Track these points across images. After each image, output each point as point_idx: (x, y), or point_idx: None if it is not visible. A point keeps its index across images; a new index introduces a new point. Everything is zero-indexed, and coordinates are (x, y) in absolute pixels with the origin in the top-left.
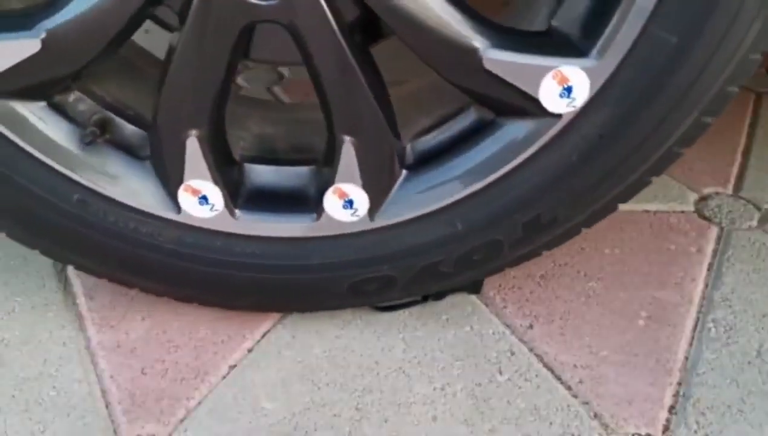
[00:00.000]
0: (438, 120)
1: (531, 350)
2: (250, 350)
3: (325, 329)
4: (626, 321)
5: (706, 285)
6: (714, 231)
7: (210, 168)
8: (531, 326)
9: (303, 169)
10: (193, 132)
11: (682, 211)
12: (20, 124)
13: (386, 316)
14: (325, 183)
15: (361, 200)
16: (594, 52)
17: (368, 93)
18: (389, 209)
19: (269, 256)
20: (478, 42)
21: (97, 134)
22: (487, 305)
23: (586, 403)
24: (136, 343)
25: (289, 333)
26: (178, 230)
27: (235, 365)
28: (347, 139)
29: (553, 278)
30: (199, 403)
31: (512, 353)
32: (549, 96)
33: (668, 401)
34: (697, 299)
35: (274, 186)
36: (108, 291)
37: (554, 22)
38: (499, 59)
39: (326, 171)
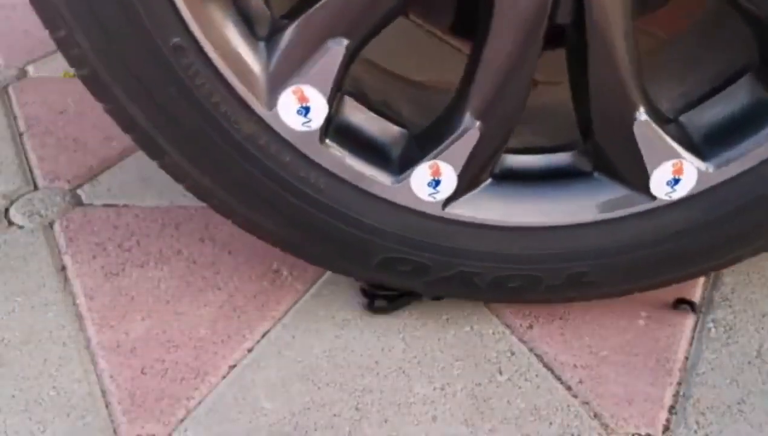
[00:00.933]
0: (537, 145)
1: (531, 350)
2: (250, 350)
3: (325, 329)
4: (626, 321)
5: (706, 285)
6: None
7: (334, 83)
8: (531, 326)
9: (393, 128)
10: (343, 42)
11: None
12: None
13: (386, 315)
14: (414, 154)
15: (449, 185)
16: (712, 161)
17: (524, 91)
18: (461, 206)
19: (328, 195)
20: (641, 102)
21: None
22: (487, 305)
23: (586, 403)
24: (136, 343)
25: (289, 333)
26: (257, 127)
27: (235, 365)
28: (476, 124)
29: None
30: (199, 403)
31: (512, 353)
32: (659, 179)
33: (668, 401)
34: (697, 299)
35: (364, 129)
36: (108, 291)
37: (681, 118)
38: (647, 127)
39: (421, 143)
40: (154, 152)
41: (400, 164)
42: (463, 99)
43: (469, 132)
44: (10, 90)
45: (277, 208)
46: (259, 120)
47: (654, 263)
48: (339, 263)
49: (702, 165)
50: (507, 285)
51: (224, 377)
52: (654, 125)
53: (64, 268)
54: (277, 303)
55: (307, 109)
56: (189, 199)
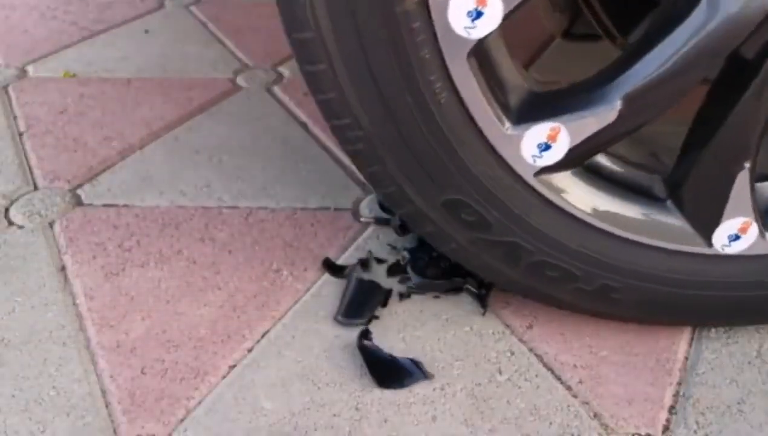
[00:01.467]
0: None
1: (531, 350)
2: (250, 350)
3: (325, 329)
4: (626, 321)
5: None
6: None
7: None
8: (531, 326)
9: None
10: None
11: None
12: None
13: (386, 316)
14: None
15: None
16: None
17: None
18: None
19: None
20: None
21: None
22: (487, 305)
23: (586, 403)
24: (136, 343)
25: (289, 333)
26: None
27: (235, 365)
28: None
29: None
30: (199, 403)
31: (512, 353)
32: (724, 231)
33: (668, 401)
34: None
35: None
36: (108, 291)
37: (757, 185)
38: (745, 177)
39: None
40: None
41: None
42: (611, 79)
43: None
44: (10, 90)
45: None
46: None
47: (676, 303)
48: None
49: (761, 232)
50: (544, 272)
51: (224, 377)
52: (749, 179)
53: (64, 268)
54: (277, 303)
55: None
56: (189, 199)
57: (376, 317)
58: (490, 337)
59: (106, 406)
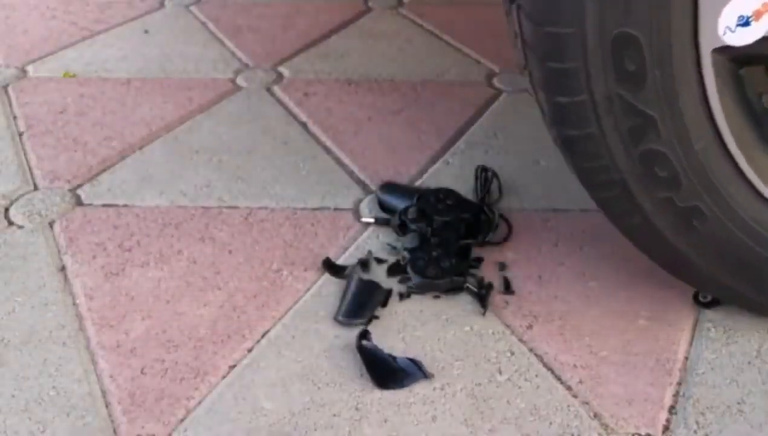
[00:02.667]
0: None
1: (531, 350)
2: (250, 350)
3: (324, 329)
4: (626, 321)
5: None
6: None
7: None
8: (531, 326)
9: None
10: None
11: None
12: None
13: (386, 316)
14: None
15: None
16: None
17: None
18: None
19: None
20: None
21: None
22: (487, 305)
23: (586, 403)
24: (136, 343)
25: (289, 333)
26: None
27: (235, 365)
28: None
29: (553, 277)
30: (199, 403)
31: (512, 353)
32: None
33: (668, 401)
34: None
35: None
36: (108, 291)
37: None
38: None
39: None
40: None
41: None
42: None
43: None
44: (10, 90)
45: None
46: None
47: None
48: None
49: None
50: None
51: (224, 377)
52: None
53: (64, 268)
54: (277, 303)
55: None
56: (189, 199)
57: (376, 317)
58: (490, 337)
59: (106, 406)
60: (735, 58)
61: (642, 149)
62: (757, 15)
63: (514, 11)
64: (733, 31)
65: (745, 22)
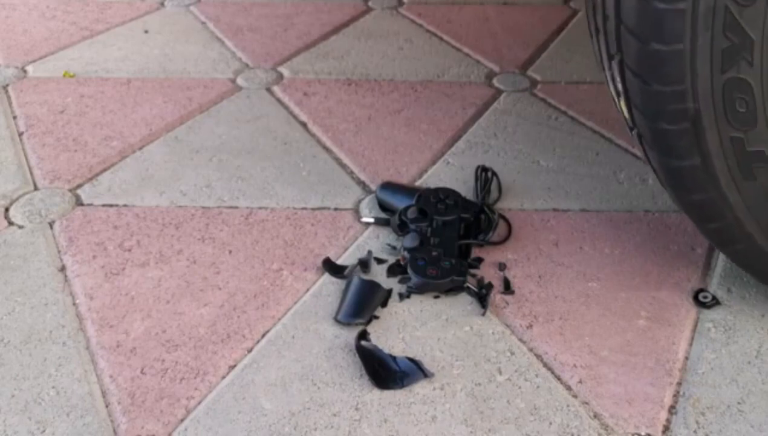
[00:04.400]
0: None
1: (531, 349)
2: (249, 350)
3: (324, 329)
4: (626, 321)
5: (706, 285)
6: None
7: None
8: (531, 326)
9: None
10: None
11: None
12: None
13: (386, 316)
14: None
15: None
16: None
17: None
18: None
19: None
20: None
21: None
22: (487, 305)
23: (586, 403)
24: (135, 343)
25: (289, 333)
26: None
27: (234, 365)
28: None
29: (553, 278)
30: (199, 403)
31: (512, 353)
32: None
33: (668, 401)
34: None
35: None
36: (108, 291)
37: None
38: None
39: None
40: None
41: None
42: None
43: None
44: (10, 90)
45: None
46: None
47: None
48: None
49: None
50: None
51: (224, 377)
52: None
53: (64, 268)
54: (277, 303)
55: None
56: (189, 199)
57: (376, 317)
58: (490, 337)
59: (106, 406)
60: None
61: (728, 77)
62: None
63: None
64: None
65: None
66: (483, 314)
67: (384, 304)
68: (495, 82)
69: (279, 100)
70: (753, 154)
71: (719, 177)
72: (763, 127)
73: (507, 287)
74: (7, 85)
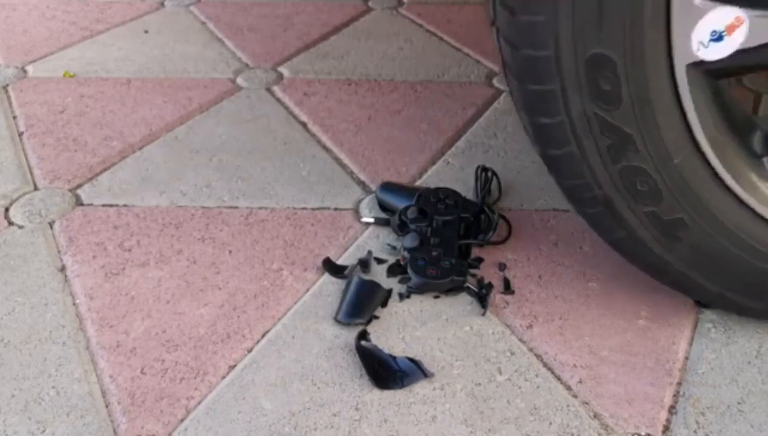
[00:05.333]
0: None
1: (531, 349)
2: (249, 350)
3: (324, 329)
4: (626, 321)
5: None
6: None
7: None
8: (531, 326)
9: None
10: None
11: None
12: None
13: (386, 316)
14: None
15: None
16: None
17: None
18: None
19: None
20: None
21: None
22: (487, 305)
23: (586, 403)
24: (135, 343)
25: (289, 333)
26: None
27: (234, 365)
28: None
29: (553, 278)
30: (199, 403)
31: (512, 353)
32: None
33: (668, 401)
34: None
35: None
36: (108, 291)
37: None
38: None
39: None
40: None
41: None
42: None
43: None
44: (10, 90)
45: None
46: None
47: None
48: None
49: None
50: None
51: (224, 377)
52: None
53: (64, 268)
54: (277, 303)
55: None
56: (189, 199)
57: (376, 317)
58: (490, 337)
59: (106, 406)
60: (709, 72)
61: (621, 166)
62: (730, 30)
63: (494, 34)
64: (706, 47)
65: (718, 38)
66: (483, 314)
67: (384, 304)
68: (495, 82)
69: (279, 100)
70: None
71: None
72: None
73: (507, 287)
74: (7, 85)
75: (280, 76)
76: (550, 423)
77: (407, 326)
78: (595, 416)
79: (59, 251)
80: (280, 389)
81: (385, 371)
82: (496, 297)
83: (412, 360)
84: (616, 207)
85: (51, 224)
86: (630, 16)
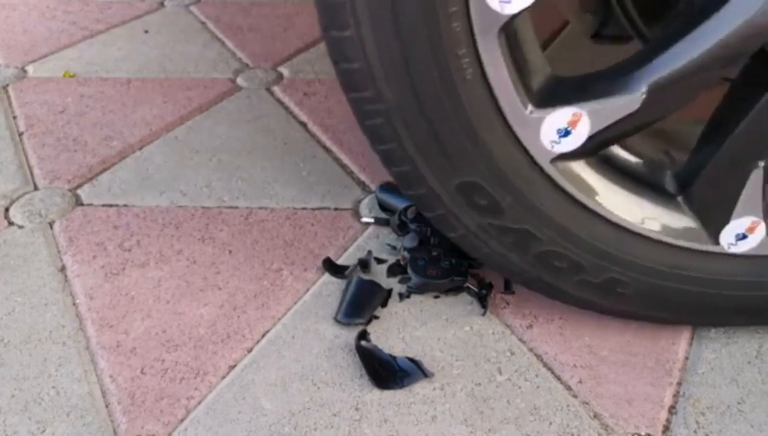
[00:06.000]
0: None
1: (531, 350)
2: (249, 350)
3: (324, 329)
4: (626, 321)
5: None
6: None
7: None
8: (531, 326)
9: None
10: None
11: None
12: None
13: (386, 316)
14: None
15: None
16: None
17: None
18: None
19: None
20: None
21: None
22: (487, 305)
23: (586, 403)
24: (135, 343)
25: (289, 333)
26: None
27: (234, 365)
28: None
29: None
30: (199, 403)
31: (512, 353)
32: (732, 230)
33: (668, 401)
34: None
35: None
36: (108, 291)
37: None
38: (757, 176)
39: None
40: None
41: None
42: (637, 67)
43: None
44: (10, 90)
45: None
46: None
47: (679, 301)
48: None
49: None
50: (552, 262)
51: (224, 377)
52: (762, 179)
53: (64, 268)
54: (277, 303)
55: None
56: (189, 199)
57: (376, 317)
58: (490, 337)
59: (106, 406)
60: (573, 157)
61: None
62: (573, 124)
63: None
64: (559, 143)
65: (565, 133)
66: (483, 314)
67: (384, 304)
68: None
69: (279, 100)
70: None
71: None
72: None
73: (507, 287)
74: (7, 85)
75: (280, 76)
76: (550, 423)
77: (407, 326)
78: (595, 416)
79: (59, 251)
80: (280, 389)
81: (385, 371)
82: (496, 297)
83: (412, 360)
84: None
85: (51, 224)
86: (479, 148)
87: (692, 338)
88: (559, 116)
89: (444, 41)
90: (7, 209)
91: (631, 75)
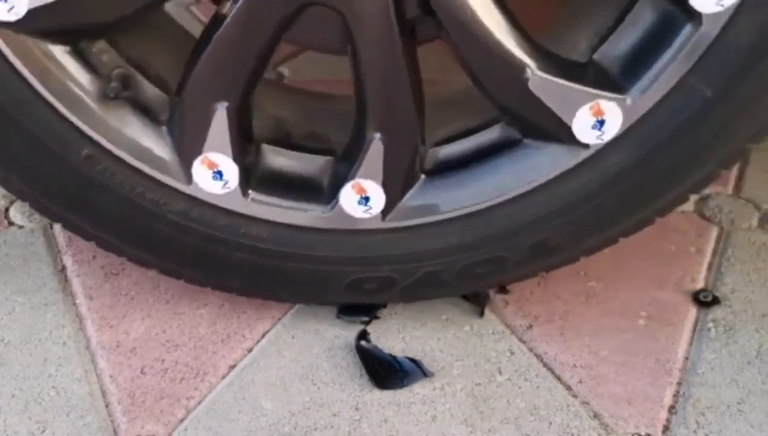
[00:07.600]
0: (463, 130)
1: (531, 349)
2: (249, 350)
3: (324, 329)
4: (626, 321)
5: (706, 285)
6: (714, 231)
7: (232, 143)
8: (531, 326)
9: (319, 159)
10: (224, 104)
11: (682, 212)
12: (40, 66)
13: (386, 316)
14: (341, 176)
15: (378, 198)
16: (632, 91)
17: (409, 92)
18: (402, 211)
19: (273, 241)
20: (528, 61)
21: (119, 89)
22: (486, 305)
23: (586, 403)
24: (135, 343)
25: (289, 333)
26: (185, 202)
27: (234, 365)
28: (377, 136)
29: (552, 278)
30: (199, 403)
31: (512, 353)
32: (582, 126)
33: (668, 401)
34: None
35: (288, 171)
36: (108, 291)
37: (595, 56)
38: (545, 82)
39: (344, 165)
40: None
41: (330, 191)
42: (361, 114)
43: (374, 144)
44: None
45: (232, 269)
46: (185, 195)
47: (608, 212)
48: (309, 296)
49: (624, 99)
50: (474, 272)
51: (224, 377)
52: (552, 77)
53: (64, 268)
54: (277, 303)
55: (220, 173)
56: None
57: (377, 317)
58: (490, 337)
59: (106, 406)
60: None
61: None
62: None
63: None
64: None
65: None
66: (483, 314)
67: (384, 304)
68: None
69: None
70: None
71: None
72: None
73: (502, 287)
74: None
75: (281, 77)
76: (550, 423)
77: (407, 326)
78: (595, 416)
79: (59, 251)
80: (280, 389)
81: (385, 371)
82: (496, 297)
83: (412, 360)
84: None
85: (51, 224)
86: None
87: (692, 338)
88: (347, 194)
89: None
90: (7, 209)
91: None
